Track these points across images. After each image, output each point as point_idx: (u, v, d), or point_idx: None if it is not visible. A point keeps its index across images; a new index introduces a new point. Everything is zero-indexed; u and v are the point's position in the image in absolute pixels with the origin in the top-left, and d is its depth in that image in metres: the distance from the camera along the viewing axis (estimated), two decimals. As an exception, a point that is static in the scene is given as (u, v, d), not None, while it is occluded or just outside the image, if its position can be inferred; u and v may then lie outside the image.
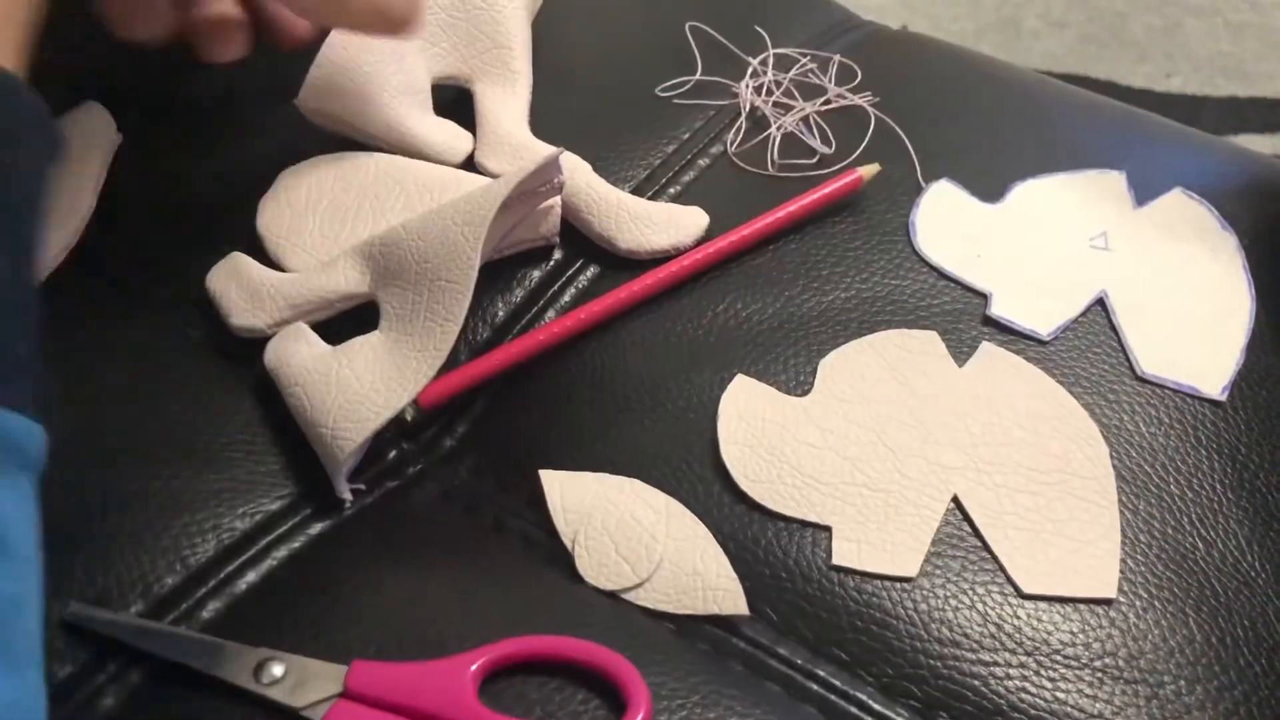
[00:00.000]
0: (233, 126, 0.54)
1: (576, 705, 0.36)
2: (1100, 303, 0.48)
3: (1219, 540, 0.42)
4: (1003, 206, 0.52)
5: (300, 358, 0.44)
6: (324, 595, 0.40)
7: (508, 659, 0.37)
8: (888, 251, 0.50)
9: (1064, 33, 1.41)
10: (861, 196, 0.52)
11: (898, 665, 0.39)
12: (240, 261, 0.48)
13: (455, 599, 0.40)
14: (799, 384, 0.46)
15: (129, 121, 0.52)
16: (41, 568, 0.30)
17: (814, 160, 0.54)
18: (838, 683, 0.39)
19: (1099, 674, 0.39)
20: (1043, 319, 0.48)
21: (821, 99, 0.56)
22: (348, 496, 0.43)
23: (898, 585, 0.41)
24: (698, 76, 0.58)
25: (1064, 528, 0.42)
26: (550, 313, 0.50)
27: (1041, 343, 0.47)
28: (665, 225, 0.50)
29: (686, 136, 0.56)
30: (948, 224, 0.51)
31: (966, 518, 0.42)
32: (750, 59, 0.58)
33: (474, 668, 0.36)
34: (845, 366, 0.46)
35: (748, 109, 0.56)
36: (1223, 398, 0.46)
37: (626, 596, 0.41)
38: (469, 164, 0.52)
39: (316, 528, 0.43)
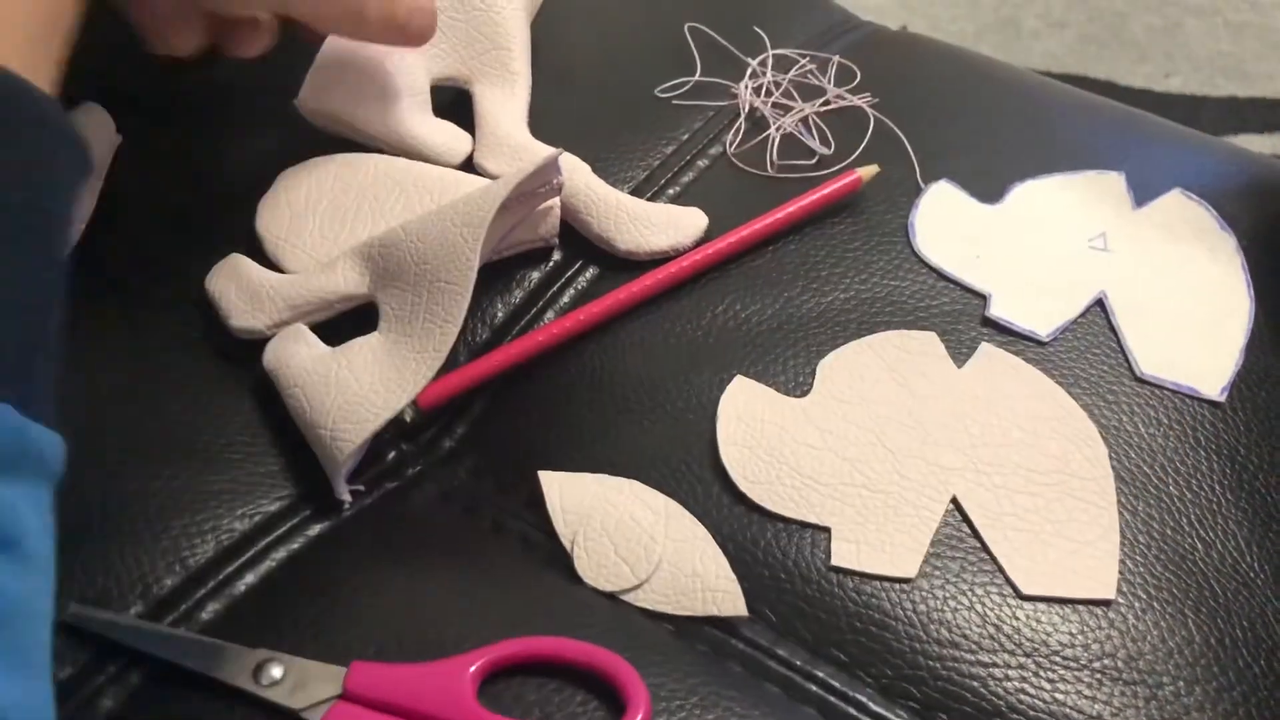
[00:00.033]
0: (233, 126, 0.54)
1: (575, 706, 0.36)
2: (1099, 303, 0.48)
3: (1218, 541, 0.42)
4: (1002, 207, 0.52)
5: (299, 359, 0.44)
6: (323, 596, 0.40)
7: (507, 660, 0.37)
8: (887, 252, 0.50)
9: (1063, 33, 1.41)
10: (861, 197, 0.52)
11: (897, 666, 0.39)
12: (239, 263, 0.48)
13: (454, 600, 0.40)
14: (798, 385, 0.46)
15: (129, 122, 0.51)
16: (54, 578, 0.30)
17: (813, 161, 0.54)
18: (837, 684, 0.39)
19: (1098, 675, 0.39)
20: (1042, 320, 0.48)
21: (821, 100, 0.56)
22: (347, 498, 0.43)
23: (897, 586, 0.41)
24: (697, 77, 0.58)
25: (1063, 529, 0.42)
26: (549, 314, 0.50)
27: (1040, 343, 0.47)
28: (664, 226, 0.50)
29: (686, 137, 0.56)
30: (947, 225, 0.51)
31: (965, 519, 0.42)
32: (749, 60, 0.58)
33: (473, 669, 0.36)
34: (844, 367, 0.46)
35: (747, 110, 0.56)
36: (1222, 398, 0.46)
37: (625, 598, 0.41)
38: (468, 165, 0.52)
39: (316, 529, 0.43)
